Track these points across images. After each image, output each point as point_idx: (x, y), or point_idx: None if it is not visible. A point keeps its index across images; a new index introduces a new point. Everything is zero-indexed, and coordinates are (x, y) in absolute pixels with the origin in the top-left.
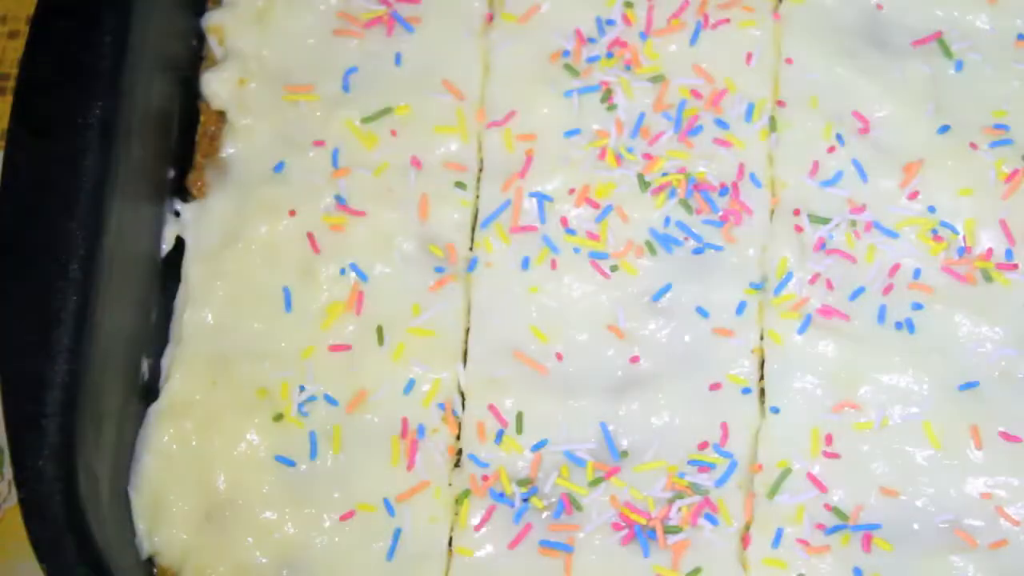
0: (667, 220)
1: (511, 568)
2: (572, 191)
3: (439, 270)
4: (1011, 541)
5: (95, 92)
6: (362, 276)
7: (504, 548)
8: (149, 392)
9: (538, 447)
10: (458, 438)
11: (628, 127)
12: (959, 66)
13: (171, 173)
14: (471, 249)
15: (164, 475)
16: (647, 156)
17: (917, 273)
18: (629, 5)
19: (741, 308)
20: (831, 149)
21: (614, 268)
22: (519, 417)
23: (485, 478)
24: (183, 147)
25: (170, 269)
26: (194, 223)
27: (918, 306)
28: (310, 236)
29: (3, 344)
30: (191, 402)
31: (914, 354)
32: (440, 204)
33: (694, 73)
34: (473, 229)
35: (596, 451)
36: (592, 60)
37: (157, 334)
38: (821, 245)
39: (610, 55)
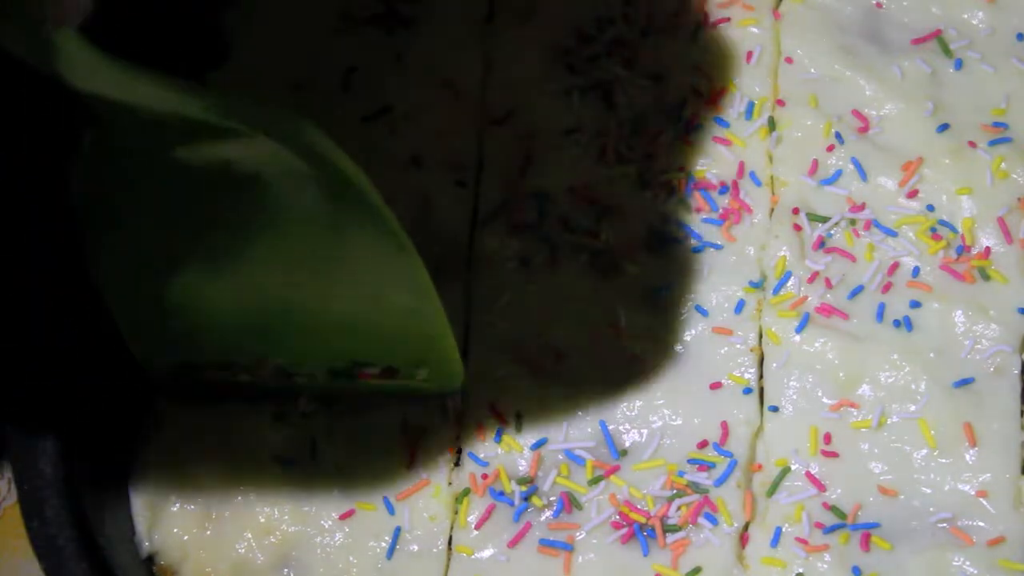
0: (667, 219)
1: (511, 567)
2: (571, 190)
3: (439, 269)
4: (1008, 538)
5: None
6: None
7: (504, 547)
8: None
9: (537, 446)
10: (458, 437)
11: (627, 126)
12: (958, 64)
13: None
14: (471, 248)
15: (164, 474)
16: (646, 155)
17: (916, 271)
18: (629, 3)
19: (740, 307)
20: (830, 148)
21: (613, 267)
22: (519, 416)
23: (485, 477)
24: None
25: None
26: None
27: (916, 304)
28: None
29: (2, 342)
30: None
31: (912, 352)
32: (440, 203)
33: (694, 71)
34: (473, 227)
35: (595, 450)
36: (592, 58)
37: None
38: (820, 243)
39: (610, 54)
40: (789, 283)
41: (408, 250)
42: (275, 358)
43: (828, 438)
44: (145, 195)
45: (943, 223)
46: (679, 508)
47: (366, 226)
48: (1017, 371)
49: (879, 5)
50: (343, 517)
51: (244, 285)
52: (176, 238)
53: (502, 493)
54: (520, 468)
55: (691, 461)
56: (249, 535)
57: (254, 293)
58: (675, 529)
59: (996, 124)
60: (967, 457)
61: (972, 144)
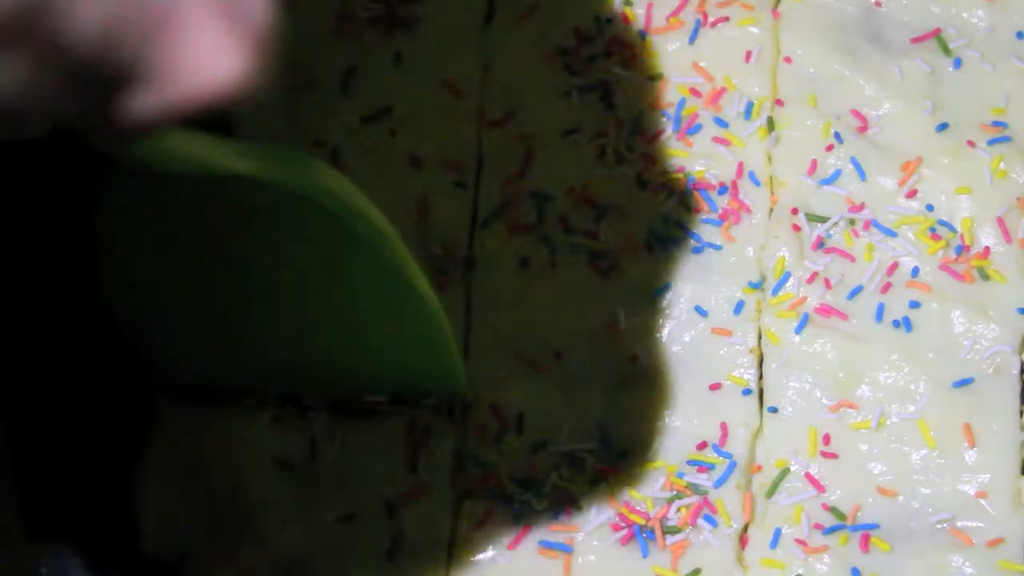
0: (666, 219)
1: (510, 568)
2: (571, 190)
3: (439, 270)
4: (1007, 538)
5: None
6: None
7: (504, 548)
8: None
9: (538, 447)
10: (458, 438)
11: (627, 126)
12: (957, 63)
13: None
14: (470, 248)
15: (163, 474)
16: (646, 155)
17: (915, 271)
18: (628, 3)
19: (739, 307)
20: (829, 147)
21: (613, 267)
22: (519, 417)
23: (485, 478)
24: None
25: None
26: None
27: (915, 304)
28: None
29: (2, 342)
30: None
31: (911, 352)
32: (440, 203)
33: (693, 71)
34: (473, 228)
35: (595, 451)
36: (592, 58)
37: None
38: (819, 244)
39: (609, 54)
40: (788, 283)
41: (421, 286)
42: (278, 389)
43: (827, 439)
44: (159, 231)
45: (942, 223)
46: (678, 509)
47: (379, 264)
48: (1017, 371)
49: (878, 4)
50: (343, 519)
51: (251, 321)
52: (184, 273)
53: (502, 494)
54: (520, 469)
55: (690, 462)
56: (250, 537)
57: (261, 329)
58: (674, 531)
59: (995, 123)
60: (967, 457)
61: (971, 143)
